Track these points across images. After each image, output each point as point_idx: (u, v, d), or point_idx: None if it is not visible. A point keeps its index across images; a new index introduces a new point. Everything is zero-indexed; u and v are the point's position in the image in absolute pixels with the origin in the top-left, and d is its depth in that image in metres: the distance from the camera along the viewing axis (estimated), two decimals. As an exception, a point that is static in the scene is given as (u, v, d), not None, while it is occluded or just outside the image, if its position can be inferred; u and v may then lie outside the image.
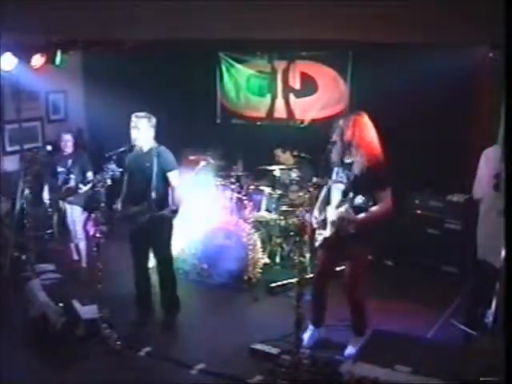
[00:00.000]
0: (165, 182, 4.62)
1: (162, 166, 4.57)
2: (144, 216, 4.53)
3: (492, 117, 5.03)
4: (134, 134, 4.54)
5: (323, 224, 4.23)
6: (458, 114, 5.82)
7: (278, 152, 6.45)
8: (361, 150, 3.99)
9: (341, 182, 4.11)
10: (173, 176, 4.62)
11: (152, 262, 5.02)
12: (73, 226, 5.94)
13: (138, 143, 4.58)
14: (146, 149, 4.62)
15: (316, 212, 4.29)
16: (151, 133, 4.61)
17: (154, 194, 4.51)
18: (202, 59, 6.97)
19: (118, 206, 4.78)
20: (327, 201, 4.26)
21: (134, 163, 4.66)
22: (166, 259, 4.81)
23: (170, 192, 4.68)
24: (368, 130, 4.04)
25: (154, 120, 4.62)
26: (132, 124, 4.54)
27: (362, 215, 3.93)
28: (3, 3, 2.88)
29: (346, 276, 4.24)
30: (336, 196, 4.14)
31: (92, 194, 5.38)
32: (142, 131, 4.54)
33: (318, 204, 4.36)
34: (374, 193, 3.92)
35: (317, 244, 4.33)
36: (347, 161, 4.10)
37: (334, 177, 4.17)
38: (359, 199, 3.81)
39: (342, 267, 4.37)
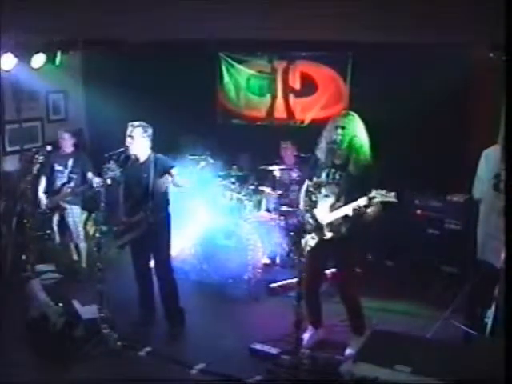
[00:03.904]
0: (161, 189, 4.59)
1: (161, 169, 4.55)
2: (143, 225, 4.53)
3: (492, 117, 5.03)
4: (129, 142, 4.50)
5: (314, 228, 4.09)
6: (458, 113, 5.82)
7: (288, 144, 6.42)
8: (355, 151, 3.97)
9: (334, 183, 4.05)
10: (175, 172, 4.58)
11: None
12: (74, 227, 5.92)
13: (133, 152, 4.55)
14: (142, 159, 4.59)
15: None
16: (147, 142, 4.58)
17: (151, 202, 4.49)
18: (202, 59, 6.97)
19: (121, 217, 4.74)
20: (314, 203, 3.99)
21: (132, 175, 4.63)
22: (164, 263, 4.77)
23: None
24: (361, 131, 4.02)
25: (150, 130, 4.58)
26: (127, 133, 4.51)
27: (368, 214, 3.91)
28: (3, 3, 2.88)
29: (337, 277, 4.21)
30: (329, 198, 4.05)
31: (92, 193, 5.37)
32: (137, 141, 4.51)
33: (301, 206, 4.23)
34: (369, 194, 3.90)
35: (308, 248, 4.08)
36: (339, 162, 4.06)
37: (324, 178, 4.08)
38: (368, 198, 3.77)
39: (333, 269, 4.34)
